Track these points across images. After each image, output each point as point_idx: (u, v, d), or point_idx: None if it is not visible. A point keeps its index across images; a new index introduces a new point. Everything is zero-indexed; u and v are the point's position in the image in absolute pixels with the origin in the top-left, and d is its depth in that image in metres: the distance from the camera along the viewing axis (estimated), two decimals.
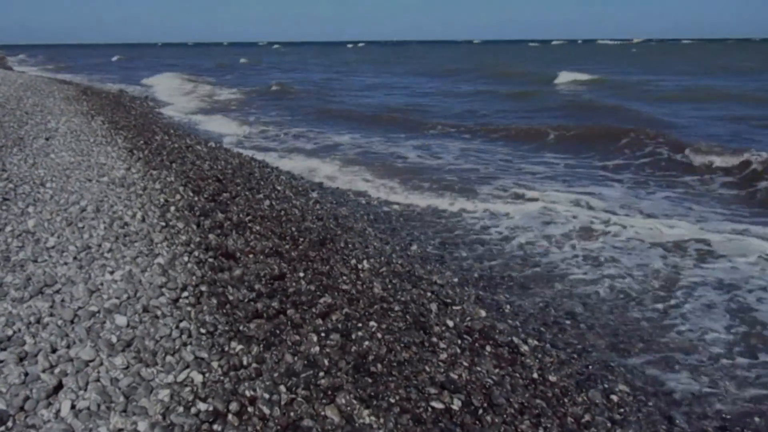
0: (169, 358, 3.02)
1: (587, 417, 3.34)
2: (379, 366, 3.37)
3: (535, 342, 4.18)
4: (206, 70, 42.35)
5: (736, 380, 3.96)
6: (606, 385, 3.76)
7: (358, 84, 30.60)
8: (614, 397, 3.62)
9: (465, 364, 3.60)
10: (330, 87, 28.36)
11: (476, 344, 3.94)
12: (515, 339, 4.10)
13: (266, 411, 2.81)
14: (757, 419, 3.54)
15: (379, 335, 3.71)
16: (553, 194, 8.63)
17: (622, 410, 3.51)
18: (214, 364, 3.05)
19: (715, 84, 24.44)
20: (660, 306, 5.05)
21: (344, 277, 4.58)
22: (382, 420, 2.91)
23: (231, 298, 3.79)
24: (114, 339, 3.07)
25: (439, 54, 76.46)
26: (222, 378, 2.97)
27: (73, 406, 2.59)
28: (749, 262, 5.95)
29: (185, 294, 3.71)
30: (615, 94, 21.97)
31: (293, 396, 2.95)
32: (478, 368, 3.59)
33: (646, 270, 5.82)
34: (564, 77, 27.58)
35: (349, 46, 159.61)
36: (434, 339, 3.83)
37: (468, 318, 4.31)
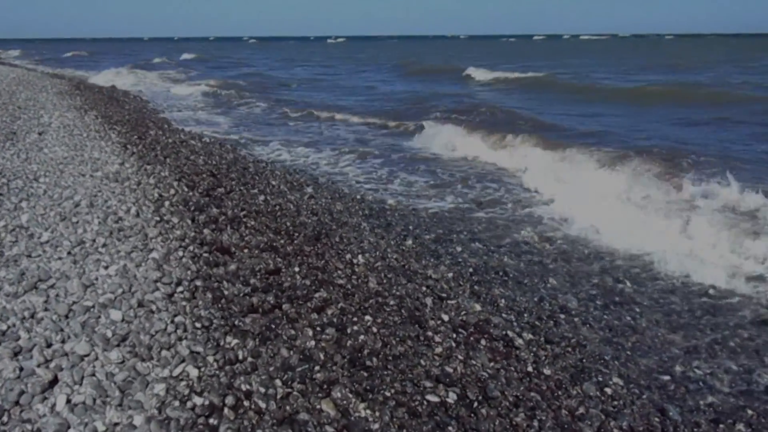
0: (164, 352, 3.02)
1: (581, 409, 3.36)
2: (375, 360, 3.38)
3: (530, 336, 4.19)
4: (148, 66, 41.88)
5: (729, 373, 3.99)
6: (600, 378, 3.78)
7: (274, 80, 31.12)
8: (608, 390, 3.65)
9: (460, 357, 3.61)
10: (245, 82, 28.76)
11: (471, 338, 3.95)
12: (510, 333, 4.12)
13: (262, 405, 2.82)
14: (749, 412, 3.57)
15: (375, 329, 3.72)
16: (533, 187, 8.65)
17: (615, 403, 3.53)
18: (210, 359, 3.05)
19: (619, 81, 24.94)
20: (656, 301, 5.08)
21: (339, 272, 4.59)
22: (377, 413, 2.92)
23: (226, 292, 3.79)
24: (109, 334, 3.07)
25: (396, 50, 78.44)
26: (218, 372, 2.97)
27: (68, 401, 2.59)
28: None
29: (180, 289, 3.71)
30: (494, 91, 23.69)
31: (289, 390, 2.96)
32: (473, 362, 3.60)
33: (640, 266, 5.86)
34: (467, 73, 30.62)
35: (330, 41, 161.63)
36: (429, 333, 3.85)
37: (463, 312, 4.33)
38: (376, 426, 2.85)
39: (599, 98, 19.43)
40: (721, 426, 3.43)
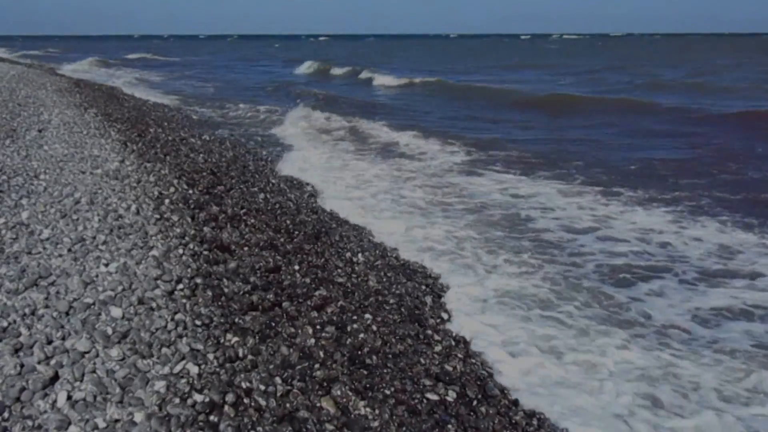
0: (164, 349, 3.03)
1: None
2: (375, 358, 3.39)
3: None
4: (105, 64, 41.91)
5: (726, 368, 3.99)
6: None
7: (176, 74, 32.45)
8: None
9: (460, 356, 3.62)
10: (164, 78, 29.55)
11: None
12: None
13: (262, 402, 2.83)
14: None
15: (374, 327, 3.72)
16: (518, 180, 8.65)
17: None
18: (210, 356, 3.06)
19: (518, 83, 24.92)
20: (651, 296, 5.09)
21: (339, 270, 4.60)
22: (377, 411, 2.93)
23: (226, 290, 3.80)
24: (109, 331, 3.07)
25: (359, 48, 79.93)
26: (218, 370, 2.98)
27: (69, 397, 2.59)
28: None
29: (180, 286, 3.71)
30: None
31: (289, 388, 2.97)
32: (473, 360, 3.61)
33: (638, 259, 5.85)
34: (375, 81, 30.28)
35: (311, 40, 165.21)
36: (429, 331, 3.85)
37: None
38: (376, 424, 2.86)
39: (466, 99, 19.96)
40: None
